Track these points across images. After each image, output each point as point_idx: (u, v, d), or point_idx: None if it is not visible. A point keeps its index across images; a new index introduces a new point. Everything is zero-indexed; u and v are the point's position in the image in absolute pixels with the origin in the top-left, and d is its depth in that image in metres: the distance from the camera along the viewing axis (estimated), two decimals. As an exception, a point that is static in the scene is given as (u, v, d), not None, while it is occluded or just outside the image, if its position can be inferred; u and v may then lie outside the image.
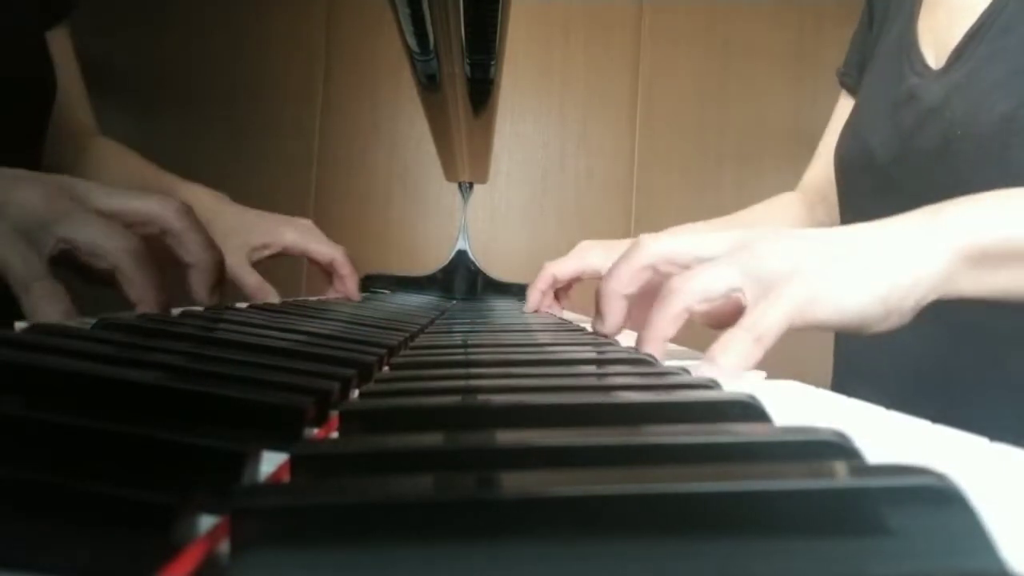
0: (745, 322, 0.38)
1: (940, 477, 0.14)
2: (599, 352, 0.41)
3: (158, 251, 0.47)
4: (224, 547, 0.14)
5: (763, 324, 0.37)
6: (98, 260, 0.43)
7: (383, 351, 0.38)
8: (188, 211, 0.49)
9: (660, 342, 0.42)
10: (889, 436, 0.24)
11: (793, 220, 0.83)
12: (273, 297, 0.76)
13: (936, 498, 0.14)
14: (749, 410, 0.23)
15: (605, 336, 0.49)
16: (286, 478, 0.18)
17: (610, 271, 0.47)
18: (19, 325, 0.32)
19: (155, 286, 0.43)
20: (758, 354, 0.37)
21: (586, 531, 0.13)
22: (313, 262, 0.86)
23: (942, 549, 0.13)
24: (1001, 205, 0.41)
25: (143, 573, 0.13)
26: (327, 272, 0.87)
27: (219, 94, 1.51)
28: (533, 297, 0.76)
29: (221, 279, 0.50)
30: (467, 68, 0.58)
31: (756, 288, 0.39)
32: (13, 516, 0.14)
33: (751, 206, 0.87)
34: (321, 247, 0.84)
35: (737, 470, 0.16)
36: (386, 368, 0.36)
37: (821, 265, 0.38)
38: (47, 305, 0.40)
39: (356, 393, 0.29)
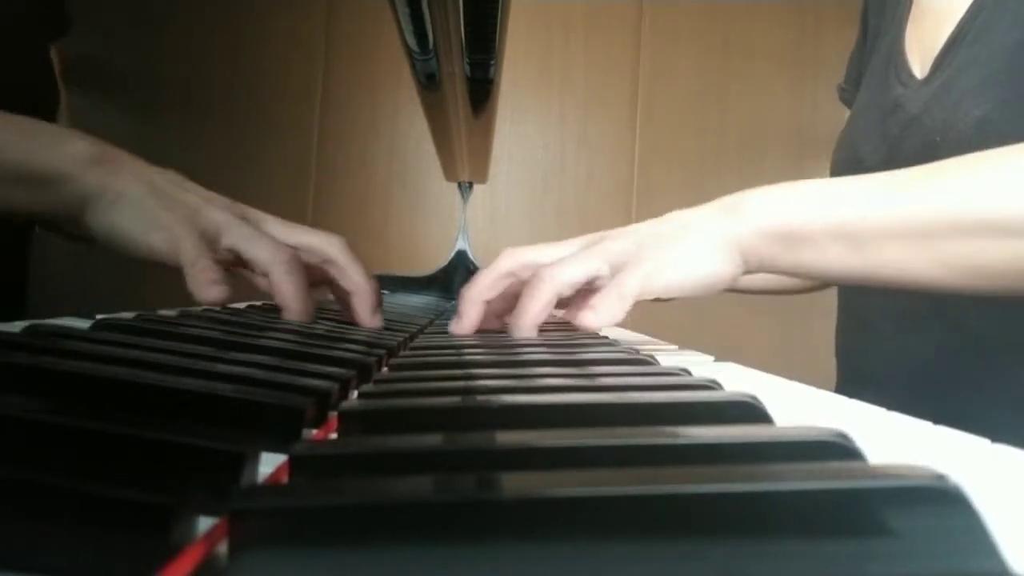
0: (610, 287, 0.47)
1: (942, 478, 0.14)
2: (599, 352, 0.41)
3: (310, 271, 0.53)
4: (223, 548, 0.14)
5: (625, 285, 0.46)
6: (255, 269, 0.49)
7: (382, 352, 0.38)
8: (349, 246, 0.56)
9: (533, 327, 0.48)
10: (890, 437, 0.23)
11: None
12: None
13: (938, 499, 0.14)
14: (750, 410, 0.23)
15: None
16: (285, 479, 0.18)
17: (473, 279, 0.54)
18: (18, 325, 0.32)
19: (300, 297, 0.49)
20: (624, 308, 0.46)
21: (586, 532, 0.13)
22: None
23: (944, 550, 0.13)
24: (789, 192, 0.48)
25: (142, 574, 0.13)
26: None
27: (218, 94, 1.51)
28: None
29: (379, 303, 0.56)
30: (467, 68, 0.58)
31: (613, 270, 0.47)
32: (13, 516, 0.14)
33: None
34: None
35: (738, 471, 0.16)
36: (385, 369, 0.36)
37: (658, 244, 0.47)
38: (207, 281, 0.45)
39: (355, 394, 0.29)
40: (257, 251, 0.49)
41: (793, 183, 0.48)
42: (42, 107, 0.79)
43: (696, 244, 0.47)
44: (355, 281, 0.54)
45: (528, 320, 0.48)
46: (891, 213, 0.43)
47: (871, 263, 0.45)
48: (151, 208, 0.48)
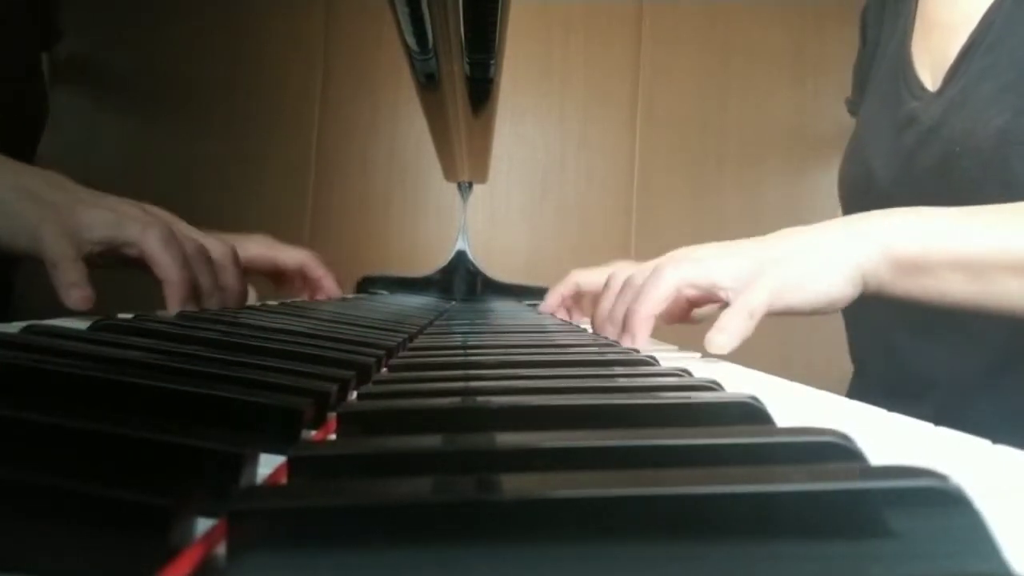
0: (737, 304, 0.46)
1: (943, 479, 0.14)
2: (600, 353, 0.41)
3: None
4: (222, 549, 0.14)
5: (753, 302, 0.46)
6: (131, 250, 0.49)
7: (381, 352, 0.38)
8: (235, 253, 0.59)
9: (650, 318, 0.49)
10: (892, 437, 0.23)
11: None
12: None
13: (939, 499, 0.14)
14: (751, 411, 0.23)
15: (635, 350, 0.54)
16: (284, 480, 0.18)
17: (644, 295, 0.52)
18: (16, 326, 0.32)
19: (179, 266, 0.49)
20: (752, 326, 0.46)
21: (587, 533, 0.13)
22: (281, 274, 0.86)
23: (945, 551, 0.13)
24: (913, 221, 0.48)
25: (141, 575, 0.13)
26: (294, 281, 0.87)
27: (218, 94, 1.51)
28: (552, 298, 0.78)
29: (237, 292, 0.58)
30: (467, 67, 0.58)
31: (735, 283, 0.48)
32: (12, 517, 0.14)
33: None
34: (289, 252, 0.85)
35: (739, 472, 0.16)
36: (385, 369, 0.36)
37: (782, 263, 0.48)
38: (67, 284, 0.45)
39: (354, 395, 0.29)
40: (125, 231, 0.49)
41: (917, 210, 0.49)
42: (31, 118, 0.80)
43: (822, 264, 0.47)
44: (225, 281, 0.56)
45: (641, 315, 0.49)
46: (1014, 245, 0.45)
47: (988, 292, 0.46)
48: (14, 207, 0.48)
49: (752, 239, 0.51)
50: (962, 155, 0.58)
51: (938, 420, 0.27)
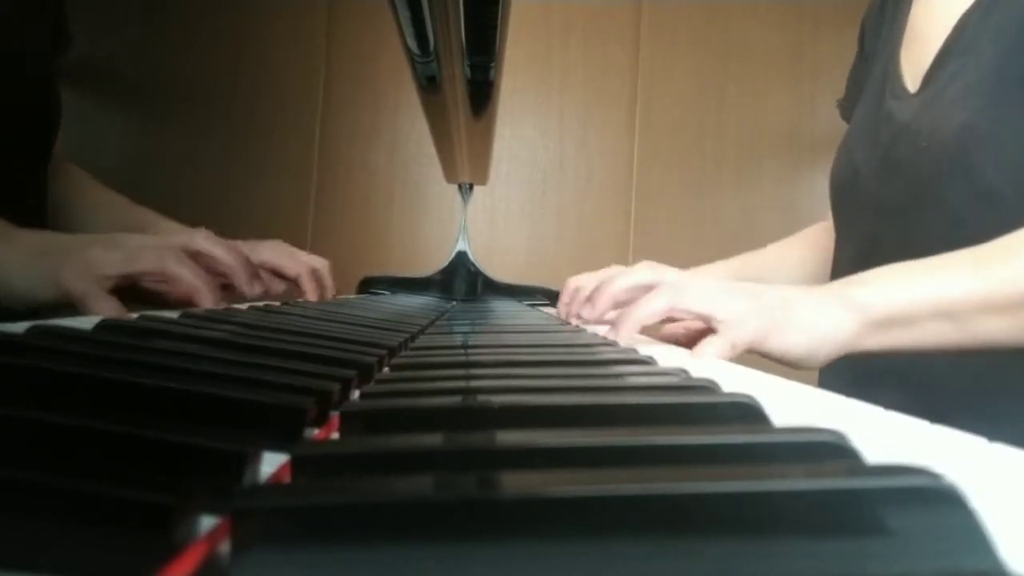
0: (722, 334, 0.50)
1: (938, 477, 0.14)
2: (599, 353, 0.41)
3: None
4: (225, 547, 0.14)
5: (735, 338, 0.49)
6: (153, 277, 0.56)
7: (383, 352, 0.38)
8: (209, 236, 0.64)
9: (636, 327, 0.52)
10: (888, 436, 0.24)
11: (801, 264, 0.88)
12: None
13: (934, 498, 0.14)
14: (748, 411, 0.23)
15: (581, 318, 0.59)
16: (287, 479, 0.18)
17: (614, 279, 0.58)
18: (21, 326, 0.32)
19: (195, 274, 0.56)
20: (727, 355, 0.49)
21: (586, 531, 0.13)
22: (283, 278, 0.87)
23: (940, 549, 0.13)
24: (894, 280, 0.51)
25: (144, 573, 0.13)
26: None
27: (220, 95, 1.51)
28: (562, 311, 0.83)
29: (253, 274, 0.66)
30: (467, 70, 0.58)
31: (727, 316, 0.51)
32: (18, 516, 0.14)
33: (768, 246, 0.90)
34: (292, 263, 0.86)
35: (736, 471, 0.16)
36: (386, 369, 0.37)
37: (776, 311, 0.51)
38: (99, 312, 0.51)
39: (357, 394, 0.29)
40: (139, 264, 0.55)
41: (892, 269, 0.52)
42: (46, 119, 0.81)
43: (809, 326, 0.50)
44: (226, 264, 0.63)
45: (634, 318, 0.51)
46: (991, 287, 0.49)
47: (969, 334, 0.50)
48: (34, 266, 0.55)
49: (749, 285, 0.54)
50: (928, 148, 0.62)
51: (908, 405, 0.29)
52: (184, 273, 0.56)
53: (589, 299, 0.61)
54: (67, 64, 0.89)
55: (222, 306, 0.57)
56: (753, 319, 0.50)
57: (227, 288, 0.65)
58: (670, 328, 0.64)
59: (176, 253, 0.57)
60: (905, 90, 0.68)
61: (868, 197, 0.70)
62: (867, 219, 0.70)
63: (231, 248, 0.65)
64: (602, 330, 0.58)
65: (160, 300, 0.61)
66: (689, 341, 0.62)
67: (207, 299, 0.57)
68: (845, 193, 0.75)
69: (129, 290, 0.56)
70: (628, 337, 0.52)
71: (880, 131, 0.69)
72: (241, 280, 0.65)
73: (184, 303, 0.58)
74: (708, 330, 0.51)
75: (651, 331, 0.57)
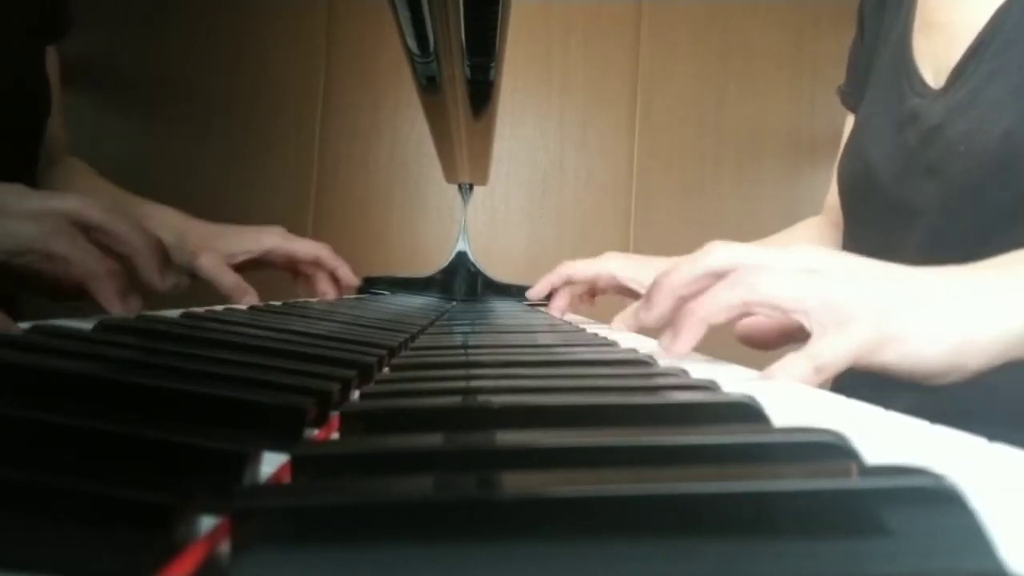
0: (810, 349, 0.37)
1: (938, 478, 0.14)
2: (599, 353, 0.41)
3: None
4: (225, 548, 0.14)
5: (827, 355, 0.36)
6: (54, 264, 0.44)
7: (383, 352, 0.38)
8: (111, 207, 0.48)
9: (702, 326, 0.40)
10: (888, 436, 0.24)
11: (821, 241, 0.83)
12: (252, 298, 0.77)
13: (934, 498, 0.14)
14: (748, 411, 0.23)
15: (637, 323, 0.47)
16: (287, 479, 0.18)
17: (673, 269, 0.44)
18: (22, 326, 0.32)
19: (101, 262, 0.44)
20: (815, 383, 0.36)
21: (586, 532, 0.13)
22: (296, 265, 0.87)
23: (941, 550, 0.13)
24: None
25: (144, 573, 0.13)
26: (307, 274, 0.88)
27: (220, 95, 1.51)
28: (541, 286, 0.78)
29: (165, 261, 0.50)
30: (467, 70, 0.58)
31: (824, 315, 0.37)
32: (16, 516, 0.14)
33: (775, 234, 0.87)
34: (305, 245, 0.85)
35: (736, 471, 0.16)
36: (386, 369, 0.37)
37: (897, 307, 0.37)
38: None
39: (357, 394, 0.29)
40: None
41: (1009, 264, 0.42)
42: (31, 105, 0.79)
43: (953, 324, 0.37)
44: (126, 240, 0.48)
45: (698, 317, 0.40)
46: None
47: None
48: None
49: (866, 263, 0.40)
50: (965, 155, 0.57)
51: (920, 409, 0.27)
52: (74, 252, 0.43)
53: (645, 298, 0.46)
54: (69, 49, 0.88)
55: (136, 304, 0.46)
56: (859, 323, 0.36)
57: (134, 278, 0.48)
58: (746, 323, 0.49)
59: (61, 225, 0.43)
60: (927, 86, 0.64)
61: (889, 198, 0.66)
62: (887, 220, 0.65)
63: (136, 225, 0.49)
64: (613, 332, 0.54)
65: (36, 286, 0.48)
66: (778, 338, 0.49)
67: (105, 290, 0.44)
68: (860, 194, 0.71)
69: None
70: (690, 343, 0.41)
71: (904, 131, 0.65)
72: (147, 267, 0.48)
73: (70, 294, 0.45)
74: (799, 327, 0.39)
75: (726, 331, 0.44)
